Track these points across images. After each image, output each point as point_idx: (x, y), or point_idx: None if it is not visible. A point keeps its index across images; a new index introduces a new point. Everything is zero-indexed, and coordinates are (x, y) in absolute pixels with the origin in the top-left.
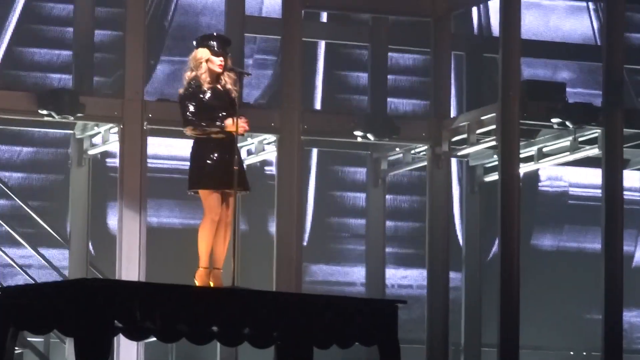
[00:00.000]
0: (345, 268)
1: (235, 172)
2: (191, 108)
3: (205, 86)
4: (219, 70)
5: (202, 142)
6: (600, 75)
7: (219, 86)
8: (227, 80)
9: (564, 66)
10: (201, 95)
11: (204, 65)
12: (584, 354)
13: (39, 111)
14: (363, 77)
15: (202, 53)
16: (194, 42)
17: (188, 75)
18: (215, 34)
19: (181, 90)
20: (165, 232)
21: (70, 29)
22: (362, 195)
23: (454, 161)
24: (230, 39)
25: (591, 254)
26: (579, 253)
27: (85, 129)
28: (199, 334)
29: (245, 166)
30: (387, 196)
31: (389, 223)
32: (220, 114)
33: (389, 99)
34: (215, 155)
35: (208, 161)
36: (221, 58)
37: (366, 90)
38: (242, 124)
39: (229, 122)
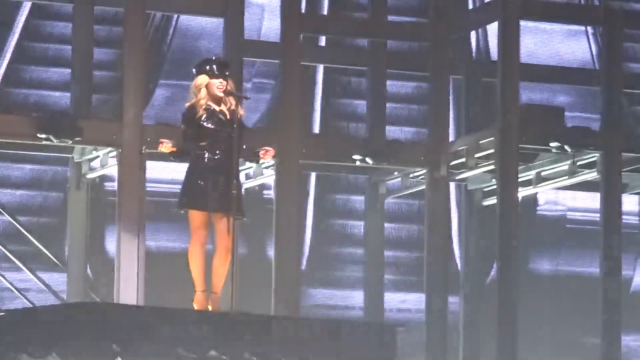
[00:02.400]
0: (344, 292)
1: (233, 197)
2: (184, 136)
3: (201, 112)
4: (220, 92)
5: (194, 164)
6: (599, 99)
7: (220, 108)
8: (231, 102)
9: (562, 90)
10: (195, 121)
11: (203, 90)
12: None
13: (38, 135)
14: (361, 101)
15: (201, 79)
16: (194, 70)
17: (187, 104)
18: (213, 57)
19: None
20: (164, 256)
21: (69, 48)
22: (361, 218)
23: (452, 185)
24: (229, 62)
25: (589, 278)
26: (577, 277)
27: (83, 153)
28: (198, 358)
29: (243, 191)
30: (386, 217)
31: (387, 246)
32: (216, 136)
33: (387, 123)
34: (203, 177)
35: (194, 182)
36: (221, 80)
37: (364, 114)
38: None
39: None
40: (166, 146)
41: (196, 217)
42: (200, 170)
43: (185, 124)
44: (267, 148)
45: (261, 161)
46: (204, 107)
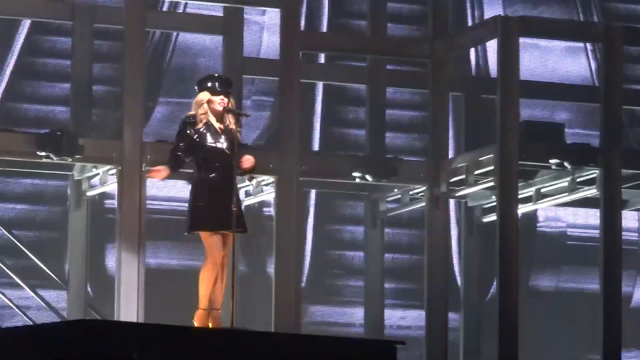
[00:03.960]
0: (344, 309)
1: (234, 214)
2: (176, 145)
3: (200, 125)
4: (221, 108)
5: (198, 183)
6: (598, 115)
7: (220, 126)
8: (231, 120)
9: (562, 107)
10: (192, 132)
11: (205, 106)
12: None
13: (38, 152)
14: (361, 118)
15: (203, 96)
16: (196, 87)
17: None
18: (215, 74)
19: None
20: (164, 273)
21: (68, 66)
22: (361, 236)
23: (452, 202)
24: (231, 80)
25: (589, 295)
26: (578, 294)
27: (83, 171)
28: None
29: (243, 207)
30: (385, 235)
31: (387, 263)
32: (214, 153)
33: (387, 140)
34: (204, 197)
35: (197, 203)
36: (222, 97)
37: (364, 130)
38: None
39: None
40: (159, 174)
41: (210, 238)
42: (201, 190)
43: (181, 136)
44: (247, 157)
45: (258, 179)
46: (204, 121)
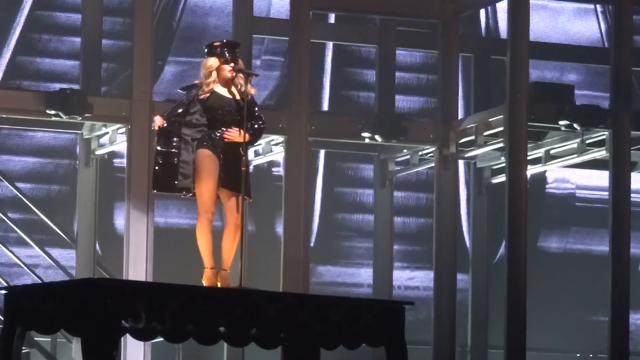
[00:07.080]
0: (352, 269)
1: (242, 174)
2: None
3: (204, 95)
4: (231, 76)
5: (202, 143)
6: (608, 77)
7: (230, 89)
8: (241, 82)
9: (571, 68)
10: (198, 100)
11: (214, 74)
12: (590, 356)
13: (47, 111)
14: (371, 78)
15: (213, 62)
16: (205, 49)
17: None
18: (224, 41)
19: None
20: (173, 232)
21: (79, 18)
22: (370, 197)
23: (461, 163)
24: (238, 41)
25: (598, 256)
26: (586, 255)
27: (92, 129)
28: (207, 334)
29: (251, 168)
30: (395, 196)
31: (396, 224)
32: (223, 120)
33: (396, 100)
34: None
35: None
36: (232, 65)
37: (374, 91)
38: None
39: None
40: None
41: (205, 194)
42: (208, 148)
43: (181, 104)
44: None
45: (271, 140)
46: (207, 89)
